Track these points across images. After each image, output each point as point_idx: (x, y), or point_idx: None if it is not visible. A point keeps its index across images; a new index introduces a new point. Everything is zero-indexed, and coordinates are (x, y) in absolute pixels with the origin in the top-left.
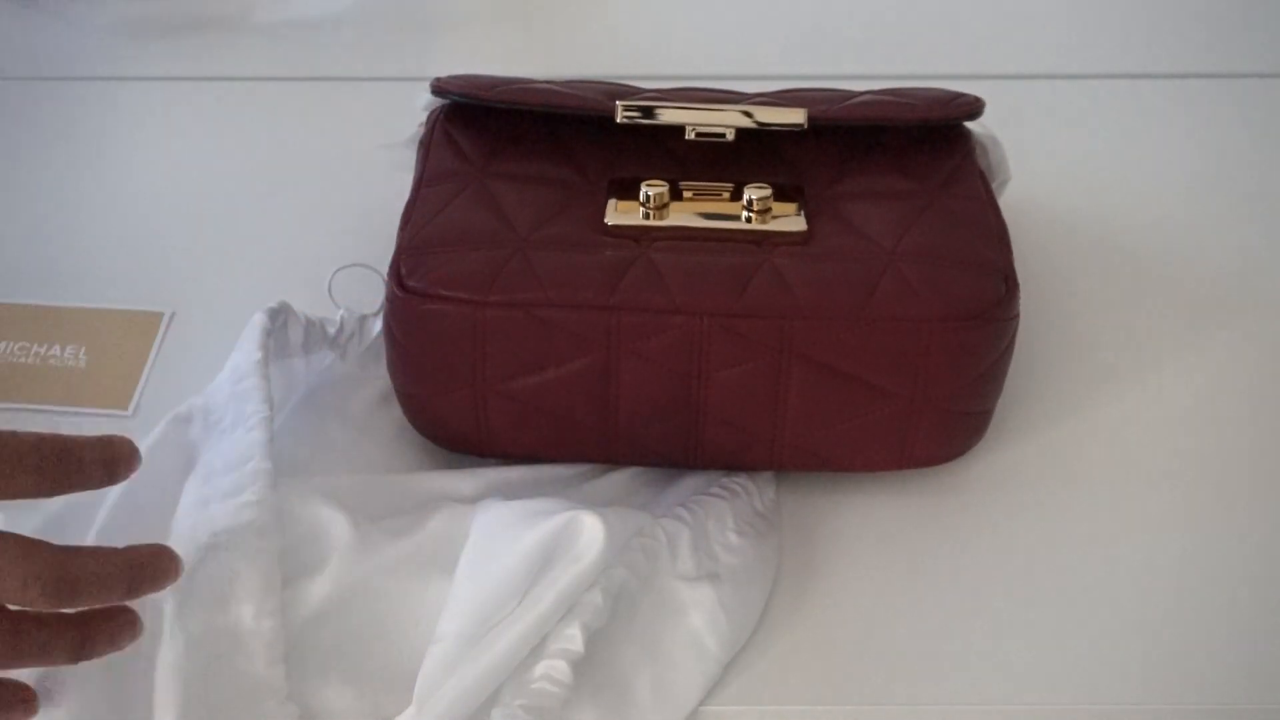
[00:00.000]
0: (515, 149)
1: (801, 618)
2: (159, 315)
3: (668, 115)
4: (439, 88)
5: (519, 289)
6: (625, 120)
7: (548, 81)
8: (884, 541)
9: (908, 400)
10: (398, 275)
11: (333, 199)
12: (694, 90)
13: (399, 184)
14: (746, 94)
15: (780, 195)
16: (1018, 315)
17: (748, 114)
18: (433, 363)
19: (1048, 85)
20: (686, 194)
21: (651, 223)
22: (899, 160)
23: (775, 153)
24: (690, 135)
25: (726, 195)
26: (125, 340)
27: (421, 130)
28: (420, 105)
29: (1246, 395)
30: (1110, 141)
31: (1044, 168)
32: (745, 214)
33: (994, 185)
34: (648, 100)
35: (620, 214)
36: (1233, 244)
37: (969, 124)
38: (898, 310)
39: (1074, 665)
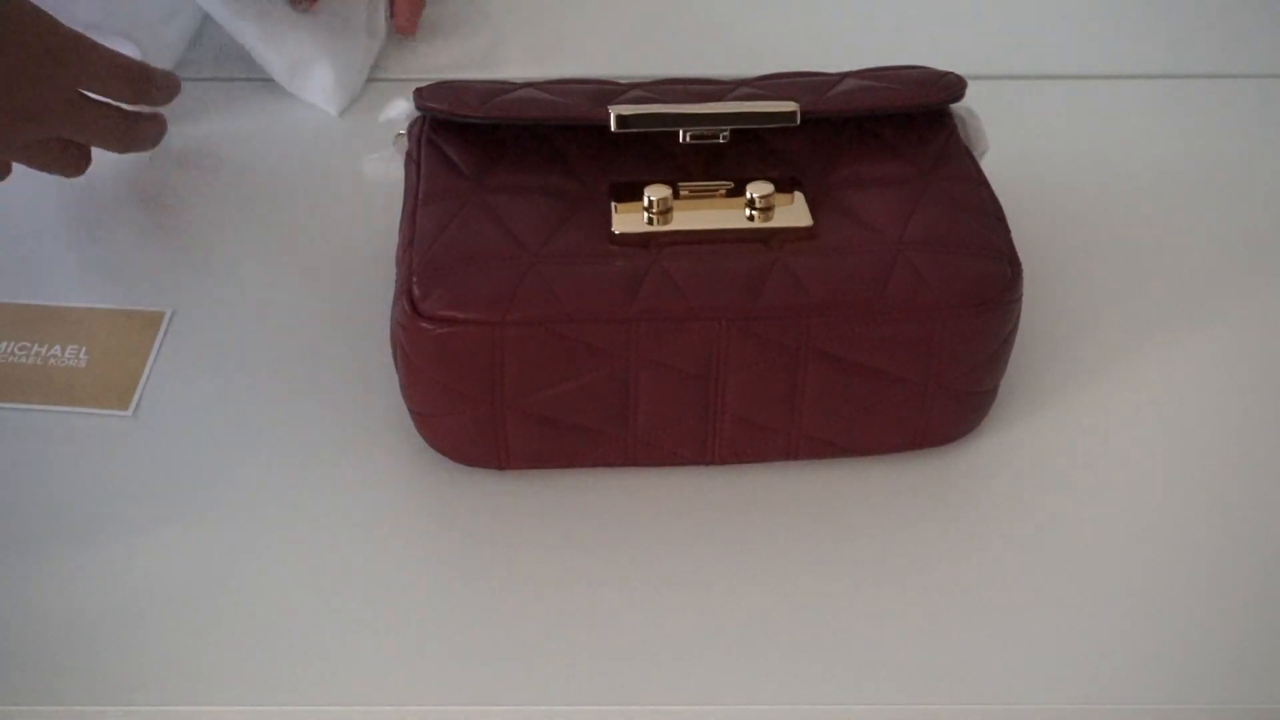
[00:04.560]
0: (508, 159)
1: (803, 615)
2: (159, 315)
3: (661, 123)
4: (422, 104)
5: (537, 306)
6: (619, 131)
7: (528, 83)
8: (887, 526)
9: (920, 385)
10: (410, 299)
11: (332, 198)
12: (678, 85)
13: (397, 180)
14: (729, 83)
15: (779, 188)
16: (1021, 296)
17: (740, 114)
18: (450, 384)
19: (1047, 85)
20: (685, 193)
21: (658, 228)
22: (887, 144)
23: (766, 145)
24: (685, 139)
25: (724, 192)
26: (125, 340)
27: (402, 140)
28: (397, 114)
29: (1248, 373)
30: (1109, 141)
31: (1043, 167)
32: (749, 211)
33: (976, 155)
34: (638, 107)
35: (626, 221)
36: (1232, 238)
37: None
38: (911, 300)
39: (1075, 663)
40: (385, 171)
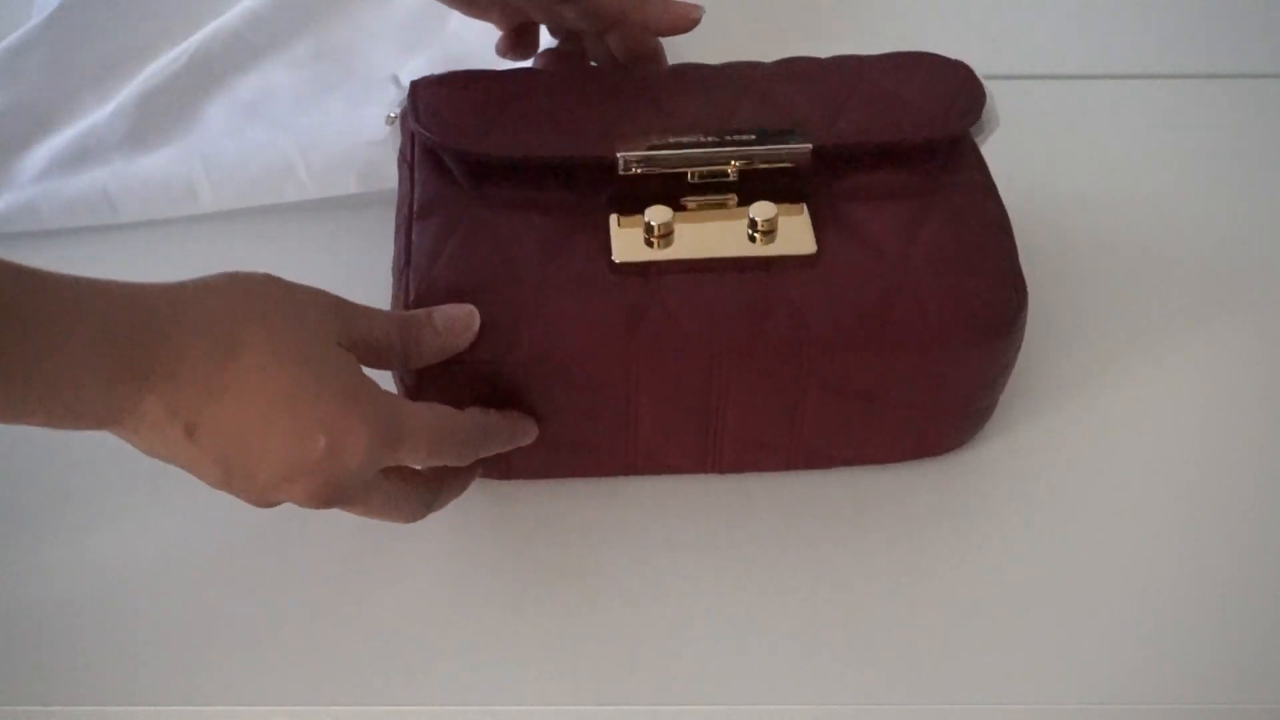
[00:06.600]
0: (504, 167)
1: (803, 619)
2: None
3: (669, 165)
4: (421, 127)
5: (537, 344)
6: (625, 173)
7: (530, 70)
8: (887, 533)
9: (922, 406)
10: None
11: (333, 198)
12: (686, 76)
13: (393, 174)
14: (736, 79)
15: (784, 198)
16: (1026, 321)
17: (752, 156)
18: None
19: (1047, 85)
20: (689, 205)
21: (658, 253)
22: (895, 146)
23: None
24: (693, 179)
25: (731, 204)
26: None
27: (395, 124)
28: (393, 99)
29: (1247, 378)
30: (1110, 141)
31: (1043, 167)
32: (751, 233)
33: (985, 134)
34: (647, 153)
35: (625, 246)
36: (1232, 239)
37: None
38: (914, 332)
39: (1075, 665)
40: (382, 161)
